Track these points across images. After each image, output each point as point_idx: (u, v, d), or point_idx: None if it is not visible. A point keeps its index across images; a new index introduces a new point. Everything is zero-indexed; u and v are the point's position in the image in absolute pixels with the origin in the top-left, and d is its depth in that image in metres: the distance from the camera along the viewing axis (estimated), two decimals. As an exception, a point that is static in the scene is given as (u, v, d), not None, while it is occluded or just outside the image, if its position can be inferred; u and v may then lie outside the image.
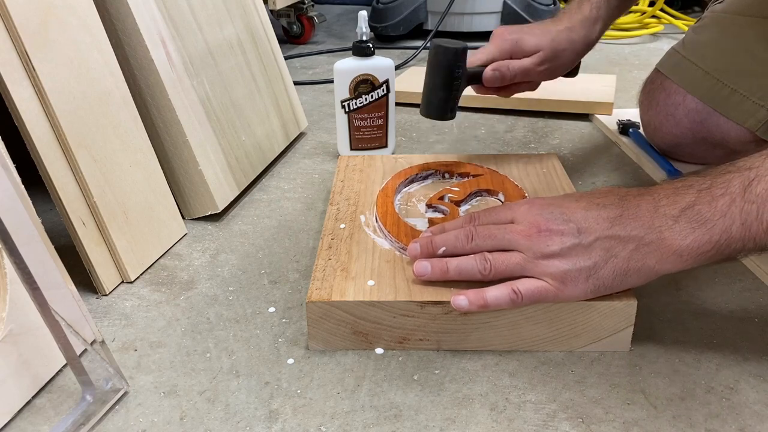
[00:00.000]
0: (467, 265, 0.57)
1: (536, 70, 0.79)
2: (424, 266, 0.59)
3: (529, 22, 1.83)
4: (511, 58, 0.79)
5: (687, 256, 0.52)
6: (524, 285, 0.55)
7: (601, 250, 0.54)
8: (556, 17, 0.83)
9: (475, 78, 0.78)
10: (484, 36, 1.76)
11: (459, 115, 1.02)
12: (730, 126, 0.85)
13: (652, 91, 0.94)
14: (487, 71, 0.77)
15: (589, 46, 0.82)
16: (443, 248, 0.60)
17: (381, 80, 0.94)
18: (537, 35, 0.79)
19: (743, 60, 0.84)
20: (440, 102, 0.77)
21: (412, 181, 0.80)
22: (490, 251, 0.57)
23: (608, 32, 1.75)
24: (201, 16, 0.90)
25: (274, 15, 1.69)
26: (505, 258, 0.56)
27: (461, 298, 0.56)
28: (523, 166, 0.82)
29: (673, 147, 0.93)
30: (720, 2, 0.92)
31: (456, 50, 0.74)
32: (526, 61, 0.78)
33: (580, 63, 0.87)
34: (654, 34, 1.82)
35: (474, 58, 0.79)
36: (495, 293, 0.55)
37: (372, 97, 0.95)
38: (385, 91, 0.95)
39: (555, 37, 0.79)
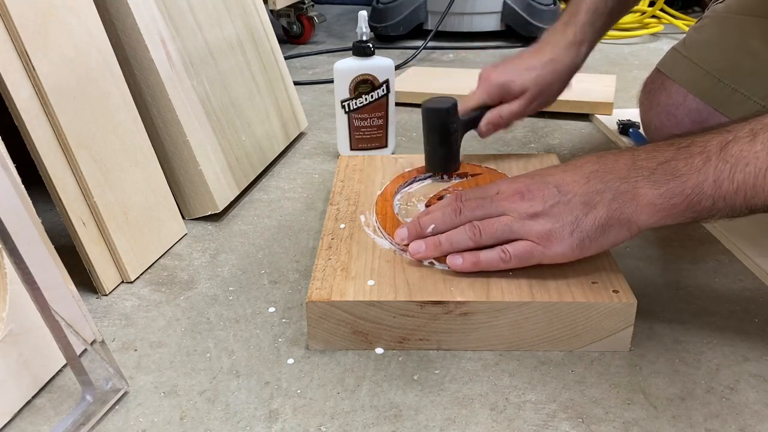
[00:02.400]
0: (458, 235, 0.60)
1: (526, 111, 0.81)
2: (418, 244, 0.61)
3: (530, 22, 1.83)
4: (501, 102, 0.81)
5: (660, 207, 0.54)
6: (513, 246, 0.58)
7: (580, 204, 0.56)
8: (539, 45, 0.83)
9: (471, 124, 0.81)
10: (484, 36, 1.76)
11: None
12: None
13: (652, 91, 0.94)
14: (482, 127, 0.81)
15: (574, 70, 0.82)
16: (432, 226, 0.62)
17: (381, 80, 0.94)
18: (522, 75, 0.80)
19: (744, 60, 0.84)
20: (443, 158, 0.80)
21: (411, 182, 0.80)
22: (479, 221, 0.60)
23: (608, 32, 1.75)
24: (201, 16, 0.90)
25: (274, 15, 1.69)
26: (493, 221, 0.59)
27: (456, 257, 0.59)
28: (522, 166, 0.82)
29: None
30: (721, 2, 0.92)
31: (447, 109, 0.77)
32: (515, 105, 0.80)
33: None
34: (654, 34, 1.82)
35: (465, 106, 0.81)
36: (487, 254, 0.59)
37: (372, 97, 0.95)
38: (385, 91, 0.95)
39: (540, 73, 0.80)
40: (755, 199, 0.51)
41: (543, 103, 0.83)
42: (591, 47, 0.83)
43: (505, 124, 0.82)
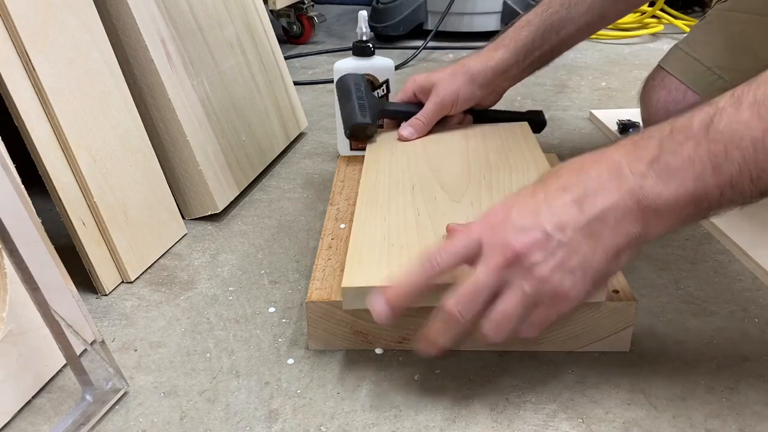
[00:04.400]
0: (446, 339, 0.51)
1: (436, 110, 0.83)
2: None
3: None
4: (419, 100, 0.85)
5: (668, 215, 0.47)
6: (529, 323, 0.50)
7: (585, 241, 0.48)
8: None
9: (391, 114, 0.87)
10: (484, 36, 1.76)
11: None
12: None
13: (652, 88, 0.94)
14: (400, 130, 0.83)
15: (487, 73, 0.83)
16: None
17: (381, 80, 0.94)
18: (431, 75, 0.84)
19: (746, 58, 0.84)
20: (349, 114, 0.84)
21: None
22: (482, 312, 0.50)
23: (608, 32, 1.75)
24: (201, 16, 0.90)
25: (274, 15, 1.69)
26: (504, 317, 0.49)
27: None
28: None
29: None
30: (725, 0, 0.92)
31: (354, 74, 0.86)
32: (427, 106, 0.83)
33: (545, 120, 0.90)
34: (654, 34, 1.82)
35: (393, 99, 0.88)
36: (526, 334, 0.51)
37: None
38: (385, 91, 0.95)
39: (442, 75, 0.84)
40: (763, 178, 0.45)
41: (459, 103, 0.83)
42: (515, 53, 0.83)
43: (427, 122, 0.83)
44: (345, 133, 0.85)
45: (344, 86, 0.86)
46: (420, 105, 0.84)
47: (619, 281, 0.59)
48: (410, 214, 0.64)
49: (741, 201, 0.47)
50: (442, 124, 0.85)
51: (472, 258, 0.49)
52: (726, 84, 0.84)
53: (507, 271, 0.48)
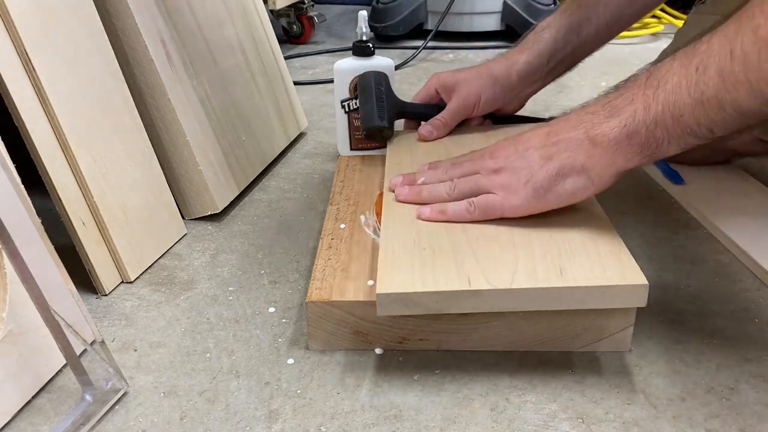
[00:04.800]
0: (436, 189, 0.66)
1: (457, 112, 0.83)
2: (404, 189, 0.68)
3: (530, 22, 1.83)
4: (440, 98, 0.86)
5: (605, 147, 0.57)
6: (478, 198, 0.63)
7: (537, 156, 0.60)
8: None
9: (412, 114, 0.87)
10: (484, 36, 1.76)
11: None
12: None
13: None
14: (420, 130, 0.84)
15: (508, 78, 0.83)
16: (423, 179, 0.68)
17: (381, 80, 0.94)
18: (455, 75, 0.85)
19: None
20: (368, 113, 0.84)
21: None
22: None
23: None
24: (201, 16, 0.90)
25: (274, 15, 1.69)
26: (467, 179, 0.64)
27: (425, 208, 0.64)
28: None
29: None
30: (703, 2, 0.92)
31: (376, 72, 0.86)
32: (449, 106, 0.83)
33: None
34: (654, 34, 1.82)
35: (414, 99, 0.88)
36: (454, 206, 0.63)
37: (372, 97, 0.94)
38: (385, 91, 0.95)
39: (466, 75, 0.84)
40: (684, 118, 0.52)
41: (481, 106, 0.83)
42: (538, 56, 0.83)
43: (449, 123, 0.84)
44: (361, 133, 0.86)
45: (365, 84, 0.85)
46: (440, 107, 0.84)
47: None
48: None
49: (675, 143, 0.55)
50: (461, 127, 0.85)
51: None
52: None
53: (480, 162, 0.65)
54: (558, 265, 0.55)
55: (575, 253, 0.57)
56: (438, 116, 0.83)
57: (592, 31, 0.83)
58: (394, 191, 0.69)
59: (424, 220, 0.63)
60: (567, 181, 0.59)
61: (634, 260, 0.56)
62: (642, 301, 0.54)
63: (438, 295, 0.53)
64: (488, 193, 0.62)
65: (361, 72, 0.93)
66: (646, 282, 0.53)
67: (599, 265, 0.55)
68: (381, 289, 0.54)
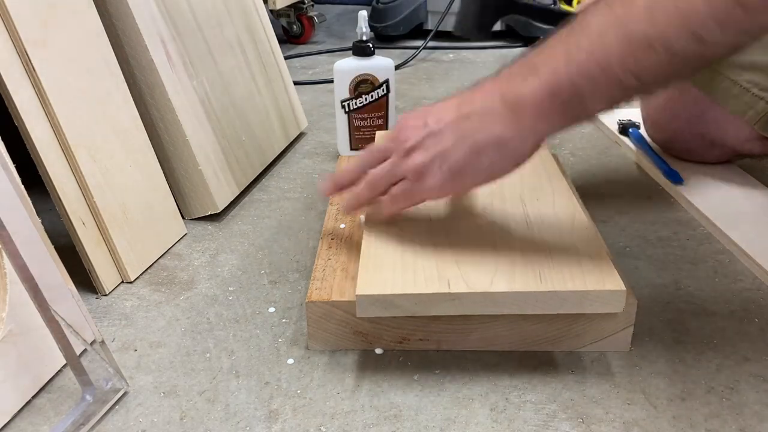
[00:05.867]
0: (360, 191, 0.60)
1: None
2: (340, 199, 0.65)
3: (530, 23, 1.82)
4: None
5: (525, 109, 0.50)
6: (395, 187, 0.57)
7: (450, 134, 0.53)
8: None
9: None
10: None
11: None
12: (728, 122, 0.85)
13: None
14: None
15: None
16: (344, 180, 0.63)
17: (381, 80, 0.94)
18: None
19: (744, 52, 0.84)
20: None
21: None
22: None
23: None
24: (201, 16, 0.90)
25: (274, 15, 1.69)
26: (380, 168, 0.58)
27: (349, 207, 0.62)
28: None
29: (670, 141, 0.93)
30: None
31: None
32: None
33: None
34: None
35: None
36: (375, 207, 0.60)
37: (372, 97, 0.95)
38: (385, 91, 0.95)
39: None
40: (610, 64, 0.46)
41: None
42: None
43: None
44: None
45: None
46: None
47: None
48: (422, 221, 0.63)
49: (601, 96, 0.48)
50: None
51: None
52: (725, 79, 0.84)
53: (391, 143, 0.58)
54: (537, 269, 0.55)
55: (556, 258, 0.57)
56: None
57: None
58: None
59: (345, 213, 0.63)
60: (485, 156, 0.53)
61: (613, 266, 0.55)
62: (619, 307, 0.54)
63: (417, 297, 0.53)
64: (404, 179, 0.57)
65: (361, 72, 0.93)
66: (624, 288, 0.53)
67: (579, 271, 0.55)
68: (360, 290, 0.54)
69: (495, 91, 0.52)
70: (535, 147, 0.53)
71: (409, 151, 0.56)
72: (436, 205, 0.65)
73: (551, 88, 0.49)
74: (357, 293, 0.54)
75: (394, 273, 0.56)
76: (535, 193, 0.68)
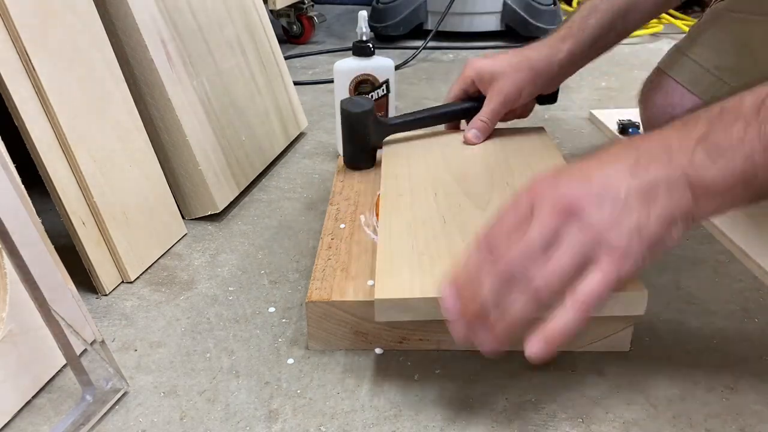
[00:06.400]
0: (515, 308, 0.47)
1: (503, 104, 0.81)
2: (472, 334, 0.49)
3: (530, 22, 1.83)
4: (476, 89, 0.83)
5: (715, 193, 0.45)
6: (582, 290, 0.44)
7: (636, 202, 0.45)
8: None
9: (451, 116, 0.85)
10: (484, 36, 1.76)
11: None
12: None
13: (651, 90, 0.94)
14: (469, 137, 0.81)
15: (552, 65, 0.80)
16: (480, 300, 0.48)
17: (381, 80, 0.94)
18: (495, 62, 0.82)
19: (744, 58, 0.84)
20: (351, 155, 0.84)
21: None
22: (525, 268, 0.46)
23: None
24: (201, 16, 0.90)
25: (274, 15, 1.69)
26: (557, 260, 0.45)
27: (531, 345, 0.47)
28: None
29: None
30: (722, 0, 0.92)
31: (357, 114, 0.80)
32: (490, 103, 0.81)
33: (557, 90, 0.88)
34: (654, 34, 1.82)
35: (448, 96, 0.85)
36: (559, 324, 0.45)
37: (372, 97, 0.94)
38: (385, 91, 0.95)
39: (511, 60, 0.81)
40: None
41: (521, 101, 0.82)
42: (582, 44, 0.80)
43: (488, 124, 0.81)
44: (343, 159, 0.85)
45: (347, 119, 0.81)
46: (427, 111, 0.83)
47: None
48: (437, 223, 0.63)
49: None
50: (454, 130, 0.85)
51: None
52: (725, 85, 0.84)
53: (560, 222, 0.45)
54: None
55: None
56: (481, 117, 0.81)
57: (637, 17, 0.81)
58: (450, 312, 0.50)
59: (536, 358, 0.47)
60: (674, 229, 0.45)
61: None
62: (641, 310, 0.54)
63: (436, 301, 0.53)
64: (590, 273, 0.44)
65: (361, 72, 0.93)
66: (645, 291, 0.53)
67: None
68: (379, 294, 0.54)
69: (673, 160, 0.46)
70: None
71: (596, 233, 0.44)
72: (449, 207, 0.66)
73: (746, 177, 0.44)
74: (375, 297, 0.54)
75: (412, 276, 0.56)
76: None
